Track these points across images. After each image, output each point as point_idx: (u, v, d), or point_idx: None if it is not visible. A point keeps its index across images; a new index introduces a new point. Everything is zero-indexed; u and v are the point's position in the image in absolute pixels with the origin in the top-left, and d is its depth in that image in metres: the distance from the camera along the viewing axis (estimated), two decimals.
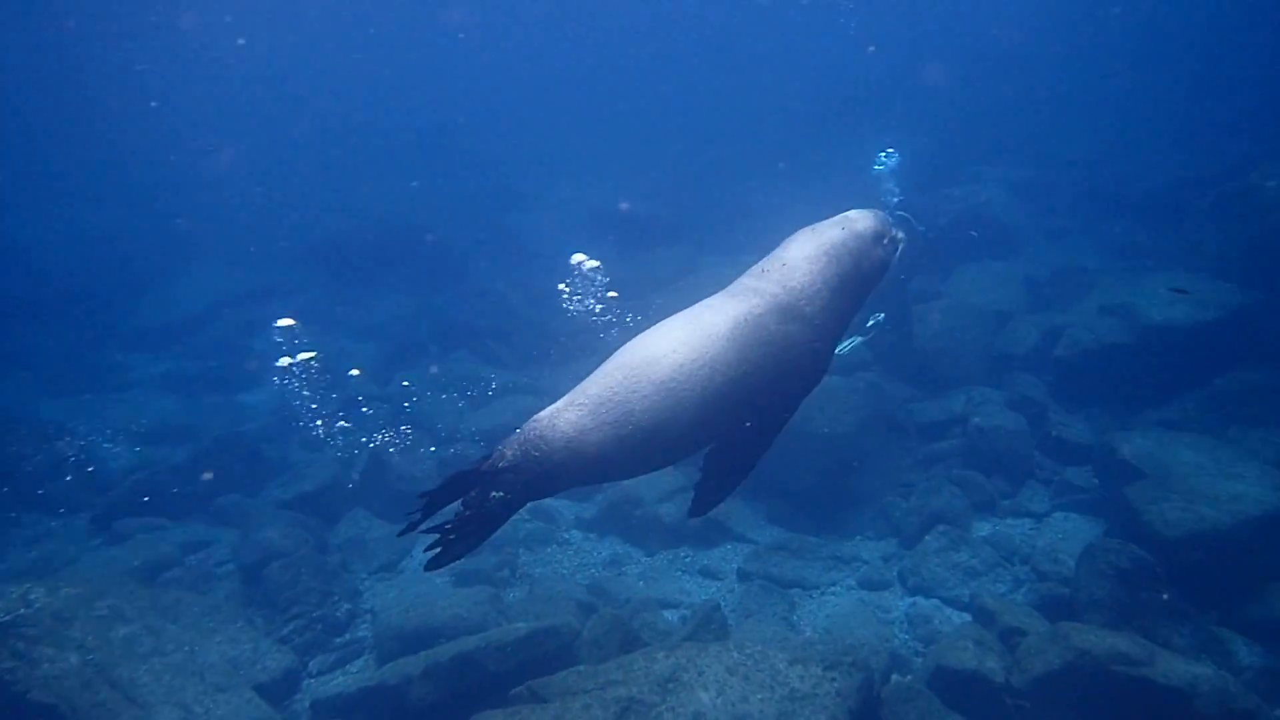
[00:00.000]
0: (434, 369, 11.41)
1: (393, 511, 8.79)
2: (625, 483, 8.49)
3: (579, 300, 12.59)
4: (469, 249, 16.31)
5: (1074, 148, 16.98)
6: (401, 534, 3.23)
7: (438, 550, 3.22)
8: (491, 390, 10.92)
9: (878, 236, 3.62)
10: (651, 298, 11.50)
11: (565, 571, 7.88)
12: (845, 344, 8.50)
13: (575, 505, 8.87)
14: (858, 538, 7.69)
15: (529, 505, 8.50)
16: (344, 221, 16.76)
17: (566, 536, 8.45)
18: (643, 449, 3.26)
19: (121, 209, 22.25)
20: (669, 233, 15.38)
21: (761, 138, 21.36)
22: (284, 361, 10.41)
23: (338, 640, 6.98)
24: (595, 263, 11.84)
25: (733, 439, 3.43)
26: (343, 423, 10.12)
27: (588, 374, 3.34)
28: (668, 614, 7.02)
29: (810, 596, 7.06)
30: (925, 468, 8.07)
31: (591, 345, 11.91)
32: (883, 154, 11.63)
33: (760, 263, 3.56)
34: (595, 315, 12.81)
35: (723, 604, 6.99)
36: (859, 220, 3.62)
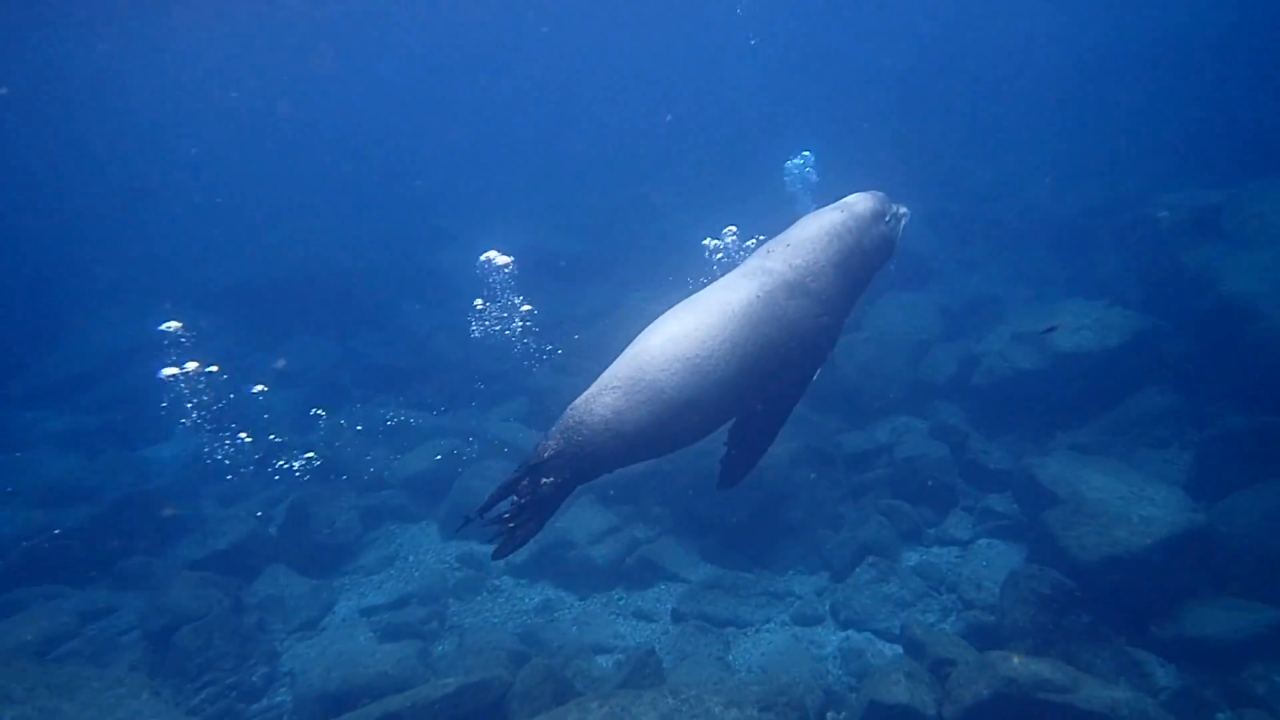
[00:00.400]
0: (356, 414, 11.10)
1: (314, 565, 8.46)
2: (557, 525, 8.36)
3: (499, 330, 12.48)
4: (394, 291, 15.99)
5: (983, 179, 17.68)
6: (457, 530, 3.79)
7: (502, 540, 3.49)
8: (417, 435, 10.66)
9: (877, 216, 3.90)
10: (581, 334, 11.44)
11: (496, 620, 7.68)
12: None
13: None
14: (790, 572, 7.70)
15: (459, 554, 8.32)
16: (263, 265, 16.21)
17: (497, 584, 8.26)
18: (677, 423, 3.51)
19: (40, 257, 21.25)
20: (594, 270, 15.40)
21: (681, 173, 21.69)
22: (169, 371, 9.97)
23: (254, 708, 6.63)
24: (528, 306, 11.82)
25: (753, 412, 3.70)
26: (259, 473, 9.74)
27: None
28: (602, 660, 6.90)
29: (745, 635, 7.02)
30: (854, 499, 8.16)
31: (519, 385, 11.79)
32: (796, 159, 11.91)
33: (766, 244, 3.83)
34: (524, 354, 12.70)
35: (658, 646, 6.90)
36: (858, 203, 3.92)
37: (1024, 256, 13.79)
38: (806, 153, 12.44)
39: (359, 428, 10.74)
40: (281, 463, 10.08)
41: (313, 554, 8.50)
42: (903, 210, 4.04)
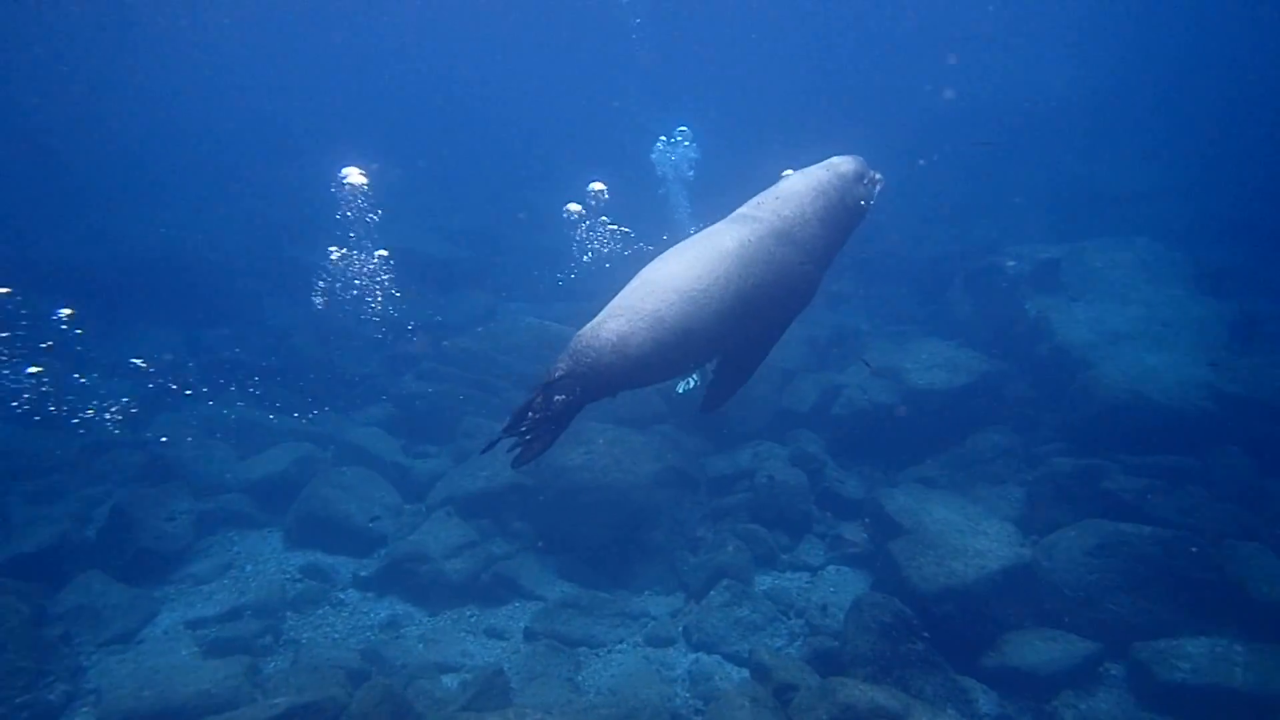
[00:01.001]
0: (200, 412, 10.30)
1: (137, 572, 7.76)
2: (410, 538, 8.06)
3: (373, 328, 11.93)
4: (254, 283, 15.06)
5: None
6: (483, 452, 4.04)
7: (519, 450, 3.79)
8: (267, 436, 10.02)
9: (858, 177, 4.32)
10: (451, 341, 11.12)
11: (337, 635, 7.27)
12: (685, 384, 8.53)
13: (353, 562, 8.27)
14: (647, 592, 7.69)
15: (302, 564, 7.84)
16: (98, 247, 14.84)
17: (342, 596, 7.83)
18: (675, 351, 3.91)
19: None
20: (471, 277, 15.07)
21: (560, 182, 21.66)
22: None
23: None
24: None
25: (740, 349, 4.22)
26: (79, 470, 8.87)
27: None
28: (448, 679, 6.64)
29: (597, 655, 6.94)
30: (715, 521, 8.26)
31: (383, 389, 11.33)
32: (664, 139, 11.99)
33: (756, 197, 4.24)
34: (390, 358, 12.21)
35: (507, 666, 6.71)
36: (841, 164, 4.33)
37: (887, 295, 14.49)
38: (683, 128, 12.59)
39: (201, 426, 9.97)
40: (107, 460, 9.25)
41: (136, 561, 7.77)
42: (879, 176, 4.45)
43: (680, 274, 3.91)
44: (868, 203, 4.37)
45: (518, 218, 19.21)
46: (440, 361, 10.73)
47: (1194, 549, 6.48)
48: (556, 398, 3.80)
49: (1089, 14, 27.33)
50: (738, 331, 4.02)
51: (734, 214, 4.21)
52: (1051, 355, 9.35)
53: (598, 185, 11.77)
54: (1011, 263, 10.68)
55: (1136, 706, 5.86)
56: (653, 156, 12.64)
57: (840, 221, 4.24)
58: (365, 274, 15.61)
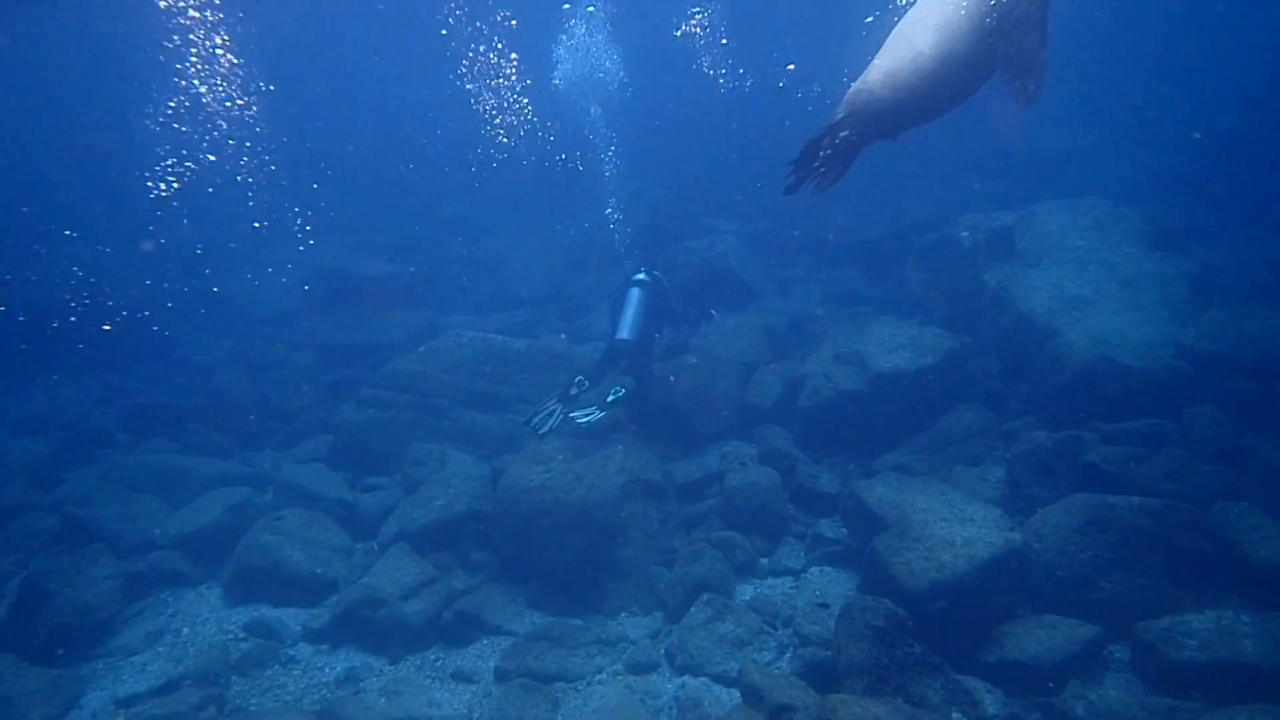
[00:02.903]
0: (120, 465, 9.43)
1: (54, 652, 7.00)
2: (363, 580, 7.45)
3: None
4: (168, 320, 14.11)
5: (795, 202, 18.19)
6: (786, 192, 4.94)
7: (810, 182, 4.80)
8: (197, 484, 9.25)
9: None
10: (395, 363, 10.46)
11: (289, 698, 6.64)
12: (585, 415, 8.12)
13: (303, 613, 7.62)
14: (623, 615, 7.21)
15: (246, 621, 7.15)
16: None
17: (292, 653, 7.18)
18: (936, 79, 4.45)
19: None
20: (405, 293, 14.36)
21: (495, 190, 21.02)
22: None
23: None
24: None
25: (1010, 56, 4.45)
26: None
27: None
28: None
29: (575, 690, 6.44)
30: (686, 531, 7.81)
31: (320, 422, 10.64)
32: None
33: None
34: (323, 389, 11.49)
35: (479, 713, 6.21)
36: None
37: (839, 276, 14.19)
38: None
39: (122, 479, 9.15)
40: (16, 527, 8.40)
41: (53, 639, 7.00)
42: None
43: (930, 11, 4.43)
44: None
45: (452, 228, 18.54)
46: (381, 387, 10.06)
47: (1184, 516, 6.24)
48: (840, 135, 4.58)
49: None
50: (993, 52, 4.41)
51: None
52: (1015, 326, 9.08)
53: None
54: (965, 233, 10.41)
55: (1146, 689, 5.57)
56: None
57: None
58: (293, 299, 14.82)
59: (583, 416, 8.10)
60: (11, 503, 9.02)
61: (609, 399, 8.22)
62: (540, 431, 8.12)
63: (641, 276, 8.64)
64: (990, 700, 5.62)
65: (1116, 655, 5.88)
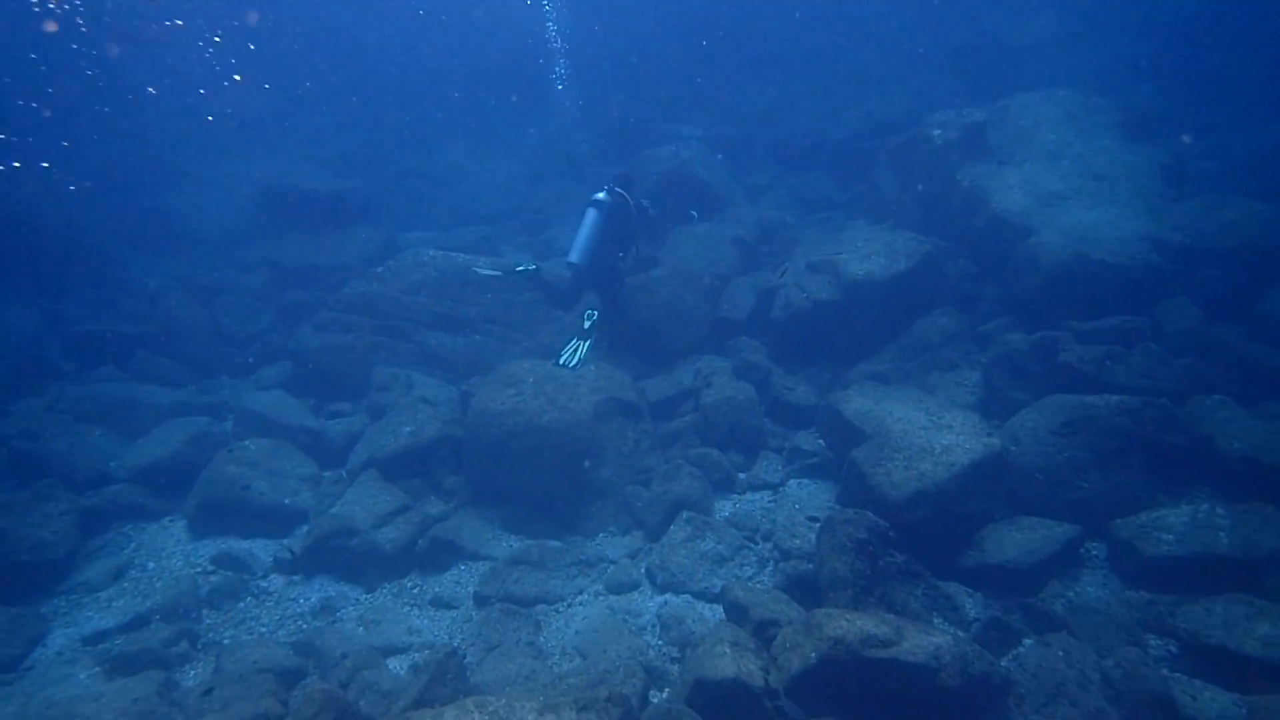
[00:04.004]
0: (67, 395, 8.99)
1: (13, 589, 6.76)
2: (333, 510, 7.28)
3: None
4: (108, 241, 13.34)
5: (756, 103, 17.59)
6: None
7: None
8: (152, 415, 8.89)
9: None
10: (353, 285, 10.01)
11: (264, 629, 6.51)
12: (573, 355, 7.89)
13: (272, 544, 7.44)
14: (602, 535, 7.13)
15: (214, 553, 6.91)
16: None
17: (264, 585, 7.03)
18: None
19: None
20: (359, 210, 13.70)
21: (448, 100, 20.00)
22: None
23: None
24: None
25: None
26: None
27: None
28: (395, 664, 6.01)
29: (556, 612, 6.39)
30: (663, 449, 7.70)
31: (279, 347, 10.23)
32: None
33: None
34: (282, 310, 11.03)
35: (461, 638, 6.13)
36: None
37: (807, 180, 13.82)
38: None
39: (70, 411, 8.75)
40: None
41: (11, 576, 6.75)
42: None
43: None
44: None
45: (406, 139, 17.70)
46: (340, 310, 9.65)
47: (1159, 413, 6.24)
48: None
49: None
50: None
51: None
52: (989, 226, 8.88)
53: None
54: (937, 131, 10.06)
55: (1123, 585, 5.66)
56: None
57: None
58: (240, 217, 14.07)
59: (572, 357, 7.87)
60: None
61: (585, 325, 8.00)
62: (571, 365, 7.86)
63: (601, 196, 8.24)
64: (971, 604, 5.67)
65: (1094, 553, 5.96)
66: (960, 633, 5.34)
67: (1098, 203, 8.73)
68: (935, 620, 5.54)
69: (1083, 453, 6.25)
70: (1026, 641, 5.27)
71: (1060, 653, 4.96)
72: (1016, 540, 5.93)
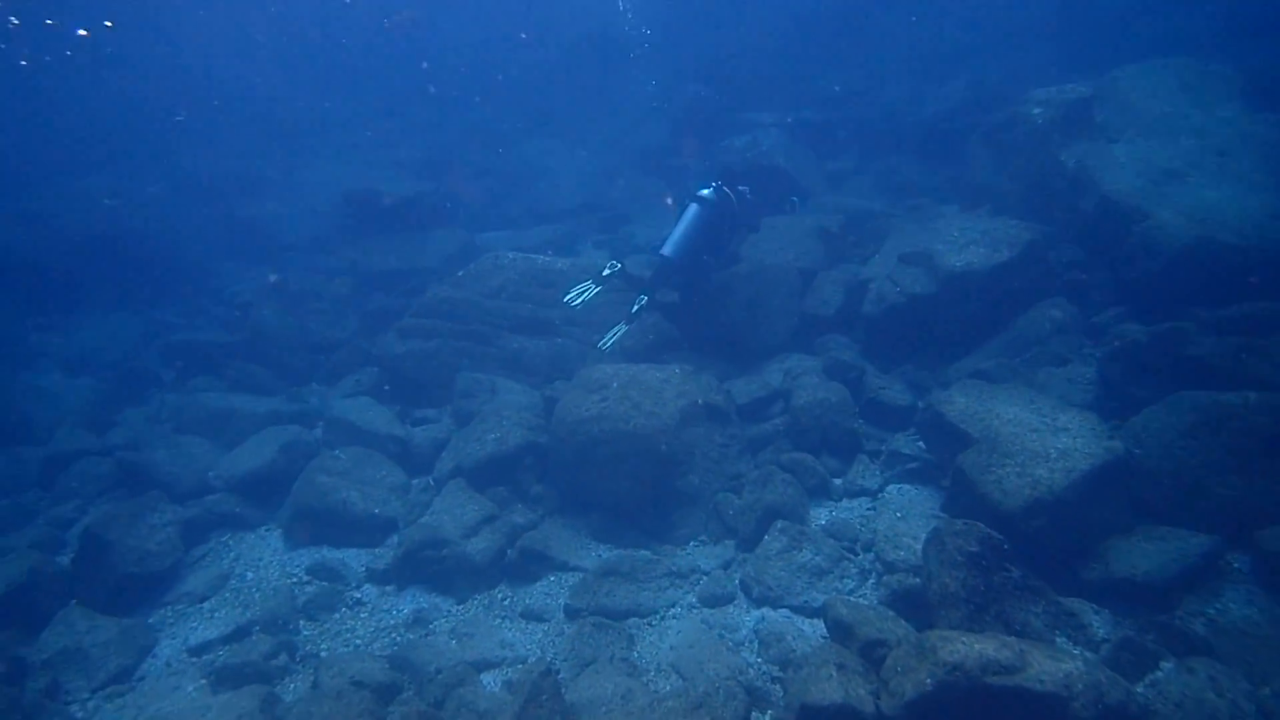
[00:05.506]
0: (168, 405, 9.29)
1: (123, 600, 6.96)
2: (423, 520, 7.27)
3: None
4: (201, 251, 13.77)
5: (835, 83, 17.01)
6: None
7: None
8: (246, 424, 9.08)
9: None
10: (435, 289, 10.04)
11: (359, 641, 6.53)
12: (610, 338, 7.81)
13: (365, 554, 7.48)
14: (693, 544, 6.92)
15: (309, 563, 6.96)
16: (26, 230, 13.44)
17: (358, 595, 7.07)
18: None
19: None
20: (438, 212, 13.78)
21: (518, 93, 19.99)
22: None
23: None
24: None
25: None
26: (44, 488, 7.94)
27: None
28: (489, 679, 5.93)
29: (649, 625, 6.21)
30: (753, 453, 7.43)
31: (364, 353, 10.34)
32: None
33: None
34: (368, 317, 11.16)
35: (554, 653, 6.02)
36: None
37: (893, 165, 13.26)
38: None
39: (170, 420, 9.02)
40: (74, 472, 8.35)
41: (120, 587, 6.96)
42: None
43: None
44: None
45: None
46: (422, 315, 9.67)
47: None
48: None
49: None
50: None
51: None
52: (1099, 209, 8.26)
53: None
54: (1037, 110, 9.42)
55: (1274, 603, 5.12)
56: None
57: None
58: (323, 224, 14.33)
59: (609, 339, 7.80)
60: (68, 449, 9.03)
61: (633, 310, 7.87)
62: (603, 348, 7.81)
63: (706, 192, 8.16)
64: (1098, 622, 5.24)
65: (1236, 567, 5.41)
66: (1089, 654, 4.92)
67: (1221, 179, 8.03)
68: (1059, 640, 5.14)
69: (1219, 456, 5.70)
70: (1165, 665, 4.82)
71: (1207, 679, 4.51)
72: (1146, 552, 5.47)
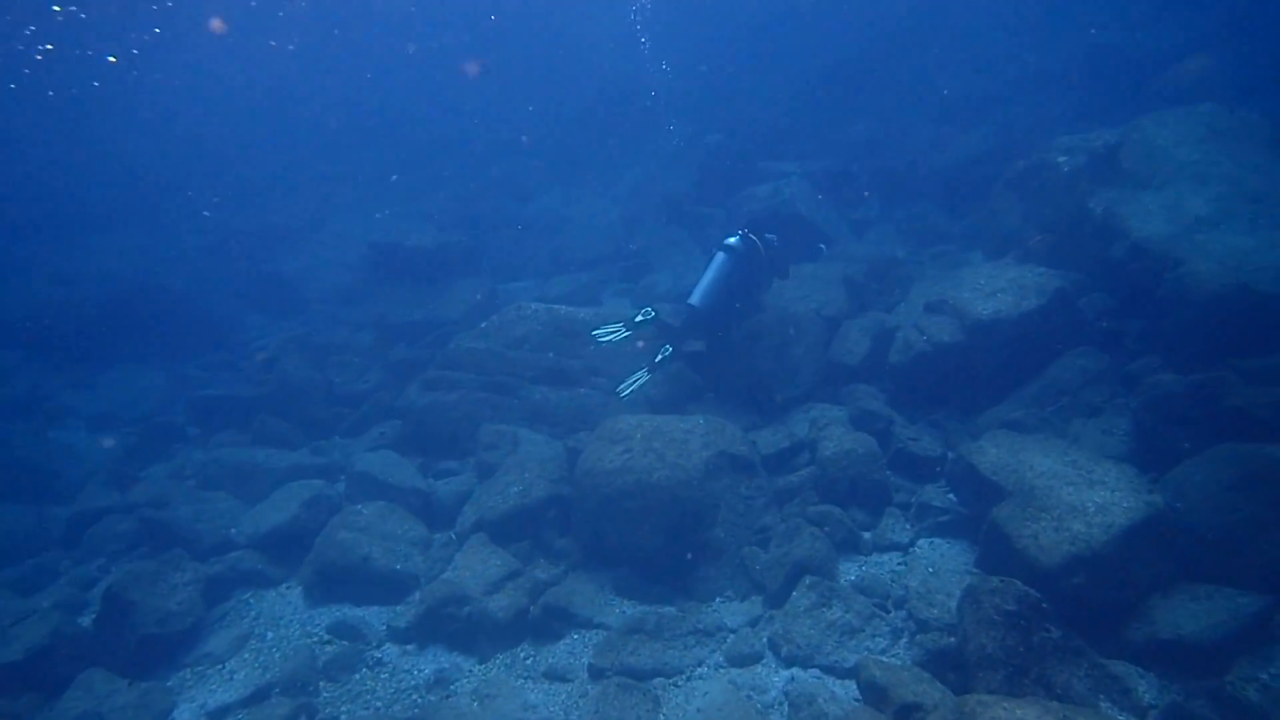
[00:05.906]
0: (193, 460, 9.35)
1: (142, 663, 6.89)
2: (444, 576, 7.17)
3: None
4: (227, 305, 13.99)
5: (858, 131, 17.13)
6: None
7: None
8: (269, 479, 9.09)
9: None
10: (458, 340, 10.07)
11: (380, 703, 6.39)
12: (631, 385, 7.86)
13: (386, 611, 7.38)
14: (718, 600, 6.74)
15: (329, 622, 6.88)
16: (57, 288, 13.76)
17: (379, 655, 6.93)
18: None
19: None
20: (462, 262, 13.92)
21: (544, 145, 20.34)
22: None
23: None
24: None
25: None
26: (67, 547, 7.96)
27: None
28: None
29: (675, 685, 6.02)
30: (779, 506, 7.28)
31: (387, 406, 10.36)
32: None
33: None
34: (390, 369, 11.21)
35: (577, 716, 5.84)
36: None
37: (916, 212, 13.24)
38: None
39: (195, 476, 9.04)
40: (97, 530, 8.36)
41: (141, 648, 6.89)
42: None
43: None
44: None
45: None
46: (446, 367, 9.70)
47: None
48: None
49: None
50: None
51: None
52: (1128, 256, 8.16)
53: None
54: (1063, 157, 9.39)
55: None
56: None
57: None
58: (348, 275, 14.50)
59: (630, 385, 7.82)
60: (92, 506, 9.06)
61: (656, 359, 7.86)
62: (623, 394, 7.81)
63: (732, 241, 8.22)
64: (1144, 686, 5.01)
65: None
66: None
67: (1255, 226, 7.91)
68: (1102, 704, 4.91)
69: (1265, 510, 5.49)
70: None
71: None
72: (1192, 611, 5.24)
